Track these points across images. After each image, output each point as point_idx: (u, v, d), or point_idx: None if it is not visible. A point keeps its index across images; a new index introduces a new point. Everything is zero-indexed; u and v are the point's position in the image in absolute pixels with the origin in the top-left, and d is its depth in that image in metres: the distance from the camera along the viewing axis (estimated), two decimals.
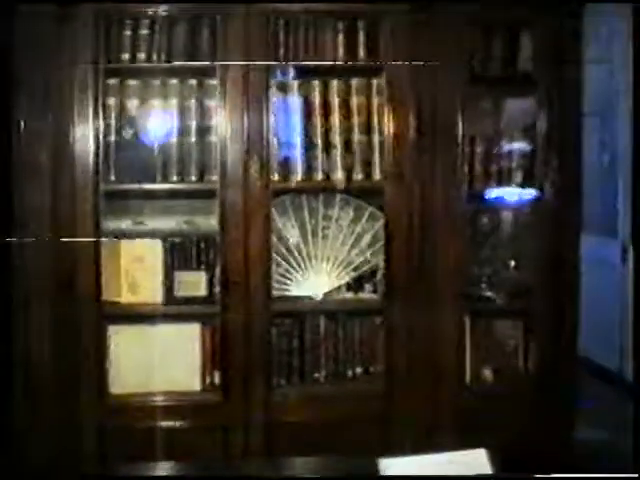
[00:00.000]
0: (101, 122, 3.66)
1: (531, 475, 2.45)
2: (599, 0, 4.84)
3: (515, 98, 4.08)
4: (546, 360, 3.95)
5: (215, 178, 3.75)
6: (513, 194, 3.97)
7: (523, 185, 3.95)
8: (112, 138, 3.72)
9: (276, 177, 3.78)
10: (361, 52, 3.85)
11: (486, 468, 2.38)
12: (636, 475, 2.35)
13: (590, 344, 4.74)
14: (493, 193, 3.96)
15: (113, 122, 3.72)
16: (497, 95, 4.08)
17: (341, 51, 3.84)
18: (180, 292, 3.83)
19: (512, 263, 4.06)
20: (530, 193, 3.93)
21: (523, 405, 3.94)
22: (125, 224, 3.86)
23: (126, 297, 3.81)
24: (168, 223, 3.91)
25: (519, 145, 3.95)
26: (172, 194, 3.88)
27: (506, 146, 3.96)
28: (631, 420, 4.77)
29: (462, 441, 3.77)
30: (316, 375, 3.91)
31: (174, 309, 3.82)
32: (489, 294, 4.03)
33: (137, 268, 3.81)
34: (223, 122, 3.69)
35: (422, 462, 2.40)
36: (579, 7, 3.84)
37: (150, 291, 3.82)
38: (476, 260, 4.02)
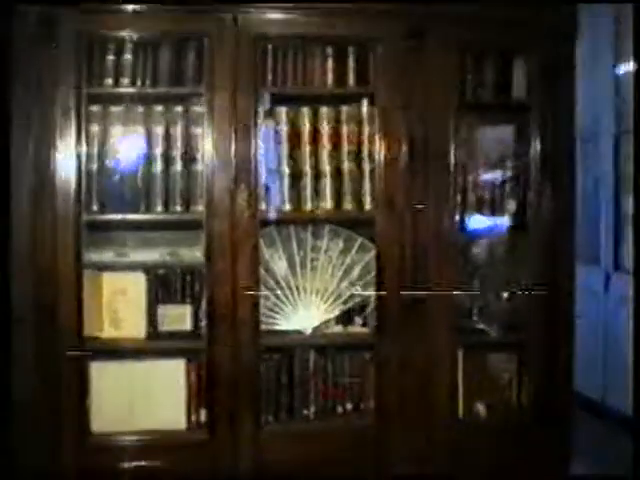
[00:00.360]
0: (84, 149, 3.53)
1: None
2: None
3: (507, 125, 3.99)
4: (541, 394, 3.86)
5: (201, 208, 3.62)
6: (505, 223, 3.90)
7: (516, 213, 3.87)
8: (95, 166, 3.59)
9: (264, 207, 3.67)
10: (351, 79, 3.77)
11: None
12: None
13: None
14: (485, 222, 3.89)
15: (96, 150, 3.59)
16: (490, 122, 4.00)
17: (330, 77, 3.75)
18: (164, 326, 3.71)
19: (505, 295, 3.98)
20: (523, 222, 3.86)
21: (517, 439, 3.84)
22: (106, 256, 3.71)
23: (108, 332, 3.67)
24: (151, 255, 3.77)
25: (512, 173, 3.88)
26: (156, 225, 3.75)
27: (499, 174, 3.88)
28: (622, 452, 4.68)
29: (456, 476, 3.74)
30: (305, 412, 3.79)
31: (158, 344, 3.70)
32: (482, 327, 3.94)
33: (119, 301, 3.68)
34: (210, 150, 3.57)
35: None
36: (572, 32, 3.78)
37: (133, 325, 3.68)
38: (468, 291, 3.94)
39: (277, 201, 3.71)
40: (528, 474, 3.78)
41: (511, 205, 3.86)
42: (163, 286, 3.75)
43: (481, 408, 3.89)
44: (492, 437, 3.84)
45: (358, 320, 3.87)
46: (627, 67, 5.94)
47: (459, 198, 3.79)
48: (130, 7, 3.51)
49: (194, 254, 3.78)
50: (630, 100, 6.02)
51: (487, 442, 3.81)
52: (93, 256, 3.64)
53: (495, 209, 3.88)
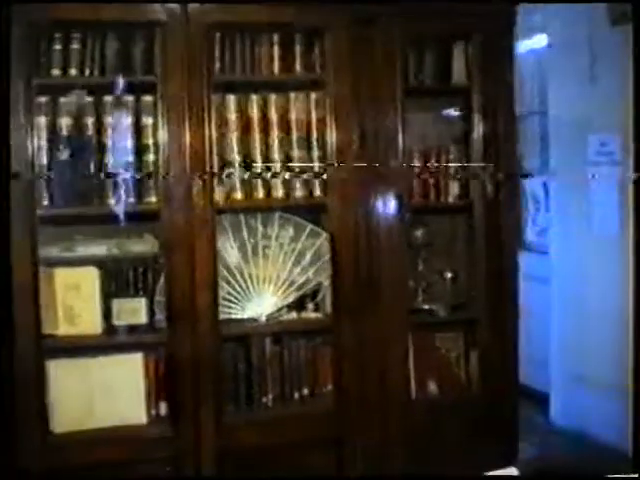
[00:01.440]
0: (35, 142, 3.43)
1: None
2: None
3: (449, 109, 4.10)
4: (488, 370, 3.98)
5: (154, 199, 3.58)
6: (450, 205, 3.99)
7: (460, 196, 3.97)
8: (44, 159, 3.50)
9: (217, 196, 3.66)
10: (298, 66, 3.79)
11: None
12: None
13: None
14: (430, 205, 3.98)
15: (45, 143, 3.50)
16: (432, 107, 4.09)
17: (277, 65, 3.75)
18: (119, 320, 3.63)
19: (449, 275, 4.07)
20: (466, 204, 3.95)
21: (467, 416, 3.96)
22: (56, 251, 3.62)
23: (64, 328, 3.57)
24: (99, 249, 3.68)
25: (455, 156, 3.96)
26: (108, 217, 3.67)
27: (442, 158, 3.96)
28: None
29: (412, 456, 3.82)
30: (264, 399, 3.79)
31: (115, 339, 3.62)
32: (427, 307, 4.03)
33: (73, 297, 3.58)
34: (163, 139, 3.53)
35: None
36: (510, 16, 3.89)
37: (89, 321, 3.59)
38: (413, 273, 4.02)
39: (228, 189, 3.72)
40: (478, 448, 3.91)
41: (455, 188, 3.96)
42: (115, 280, 3.68)
43: (432, 387, 4.00)
44: (444, 414, 3.95)
45: (310, 306, 3.90)
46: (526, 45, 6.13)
47: (407, 182, 3.87)
48: None
49: (143, 246, 3.74)
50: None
51: (440, 420, 3.93)
52: (43, 251, 3.54)
53: (439, 192, 3.97)
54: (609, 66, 5.17)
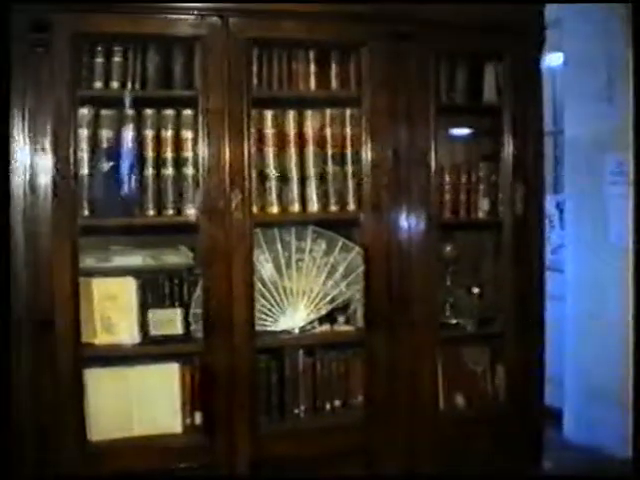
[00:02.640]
0: (77, 153, 3.47)
1: None
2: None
3: (480, 127, 4.17)
4: (513, 384, 4.04)
5: (192, 211, 3.63)
6: (479, 222, 4.06)
7: (490, 212, 4.03)
8: (86, 171, 3.54)
9: (254, 209, 3.71)
10: (334, 82, 3.85)
11: None
12: None
13: None
14: (460, 221, 4.04)
15: (86, 154, 3.54)
16: (463, 124, 4.17)
17: (314, 81, 3.82)
18: (156, 331, 3.68)
19: (476, 290, 4.13)
20: (496, 220, 4.02)
21: (493, 428, 4.01)
22: (92, 261, 3.65)
23: (101, 338, 3.62)
24: (136, 259, 3.73)
25: (485, 173, 4.03)
26: (146, 228, 3.73)
27: (473, 175, 4.03)
28: None
29: (441, 468, 3.87)
30: (296, 410, 3.84)
31: (151, 349, 3.66)
32: (455, 321, 4.08)
33: (111, 307, 3.63)
34: (202, 153, 3.58)
35: None
36: (540, 37, 3.97)
37: (126, 331, 3.64)
38: (441, 288, 4.06)
39: (264, 203, 3.77)
40: (504, 459, 3.96)
41: (484, 205, 4.02)
42: (151, 291, 3.72)
43: (460, 400, 4.05)
44: (471, 427, 4.01)
45: (342, 319, 3.95)
46: None
47: (438, 198, 3.93)
48: (122, 9, 3.50)
49: (178, 258, 3.79)
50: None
51: (466, 432, 3.98)
52: (81, 262, 3.58)
53: (470, 208, 4.03)
54: (626, 85, 5.25)
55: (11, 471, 3.29)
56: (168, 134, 3.63)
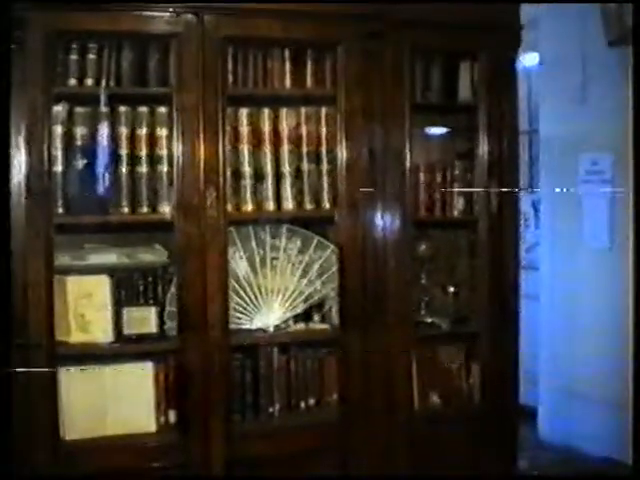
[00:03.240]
0: (51, 151, 3.45)
1: None
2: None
3: (455, 126, 4.18)
4: (488, 382, 4.06)
5: (167, 209, 3.62)
6: (454, 220, 4.07)
7: (464, 211, 4.04)
8: (60, 168, 3.52)
9: (229, 207, 3.70)
10: (309, 81, 3.85)
11: None
12: None
13: None
14: (435, 219, 4.05)
15: (60, 152, 3.53)
16: (438, 123, 4.18)
17: (289, 79, 3.82)
18: (130, 329, 3.65)
19: (451, 289, 4.14)
20: (470, 219, 4.03)
21: (468, 427, 4.03)
22: (66, 259, 3.63)
23: (76, 336, 3.60)
24: (110, 257, 3.72)
25: (460, 172, 4.04)
26: (121, 227, 3.72)
27: (448, 173, 4.04)
28: None
29: (415, 467, 3.87)
30: (270, 409, 3.83)
31: (126, 347, 3.64)
32: (430, 320, 4.09)
33: (85, 305, 3.61)
34: (177, 151, 3.56)
35: None
36: (516, 36, 3.98)
37: (100, 329, 3.62)
38: (416, 287, 4.07)
39: (239, 201, 3.77)
40: (478, 458, 3.98)
41: (460, 203, 4.03)
42: (126, 289, 3.70)
43: (435, 398, 4.06)
44: (445, 426, 4.01)
45: (317, 317, 3.96)
46: None
47: (413, 197, 3.94)
48: (98, 6, 3.47)
49: (153, 256, 3.78)
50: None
51: (441, 431, 3.98)
52: (55, 260, 3.56)
53: (445, 207, 4.04)
54: (602, 86, 5.29)
55: None
56: (143, 132, 3.61)
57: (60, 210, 3.53)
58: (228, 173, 3.67)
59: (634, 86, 3.54)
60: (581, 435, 5.41)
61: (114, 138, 3.59)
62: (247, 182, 3.75)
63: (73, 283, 3.62)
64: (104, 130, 3.57)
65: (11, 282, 3.31)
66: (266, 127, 3.78)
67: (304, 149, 3.82)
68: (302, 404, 3.89)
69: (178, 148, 3.57)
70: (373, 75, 3.79)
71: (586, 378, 5.43)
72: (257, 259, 3.87)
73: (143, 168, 3.62)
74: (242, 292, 3.83)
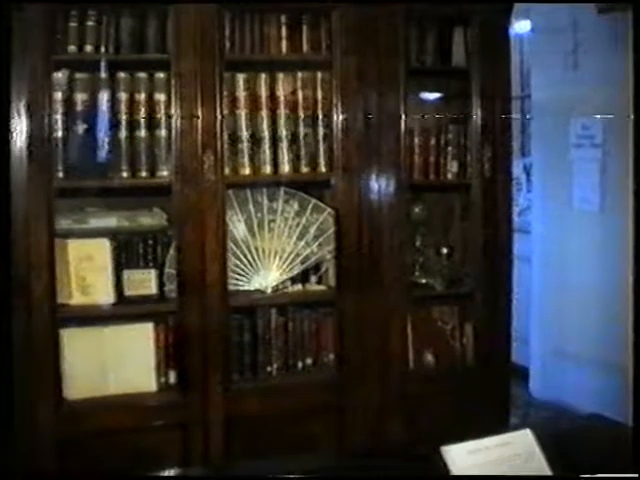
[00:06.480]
0: (52, 117, 3.51)
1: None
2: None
3: (449, 90, 4.24)
4: (482, 341, 4.14)
5: (166, 173, 3.68)
6: (448, 183, 4.13)
7: (458, 174, 4.10)
8: (60, 134, 3.57)
9: (227, 171, 3.76)
10: (305, 46, 3.90)
11: (534, 447, 2.47)
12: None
13: None
14: (429, 183, 4.11)
15: (61, 117, 3.58)
16: (432, 88, 4.24)
17: (285, 45, 3.86)
18: (130, 291, 3.74)
19: (445, 251, 4.22)
20: (464, 182, 4.10)
21: (461, 386, 4.12)
22: (67, 222, 3.70)
23: (77, 298, 3.67)
24: (110, 221, 3.78)
25: (454, 136, 4.09)
26: (121, 190, 3.78)
27: (442, 137, 4.09)
28: None
29: (410, 425, 3.96)
30: (268, 368, 3.91)
31: (126, 309, 3.72)
32: (424, 281, 4.17)
33: (86, 268, 3.68)
34: (175, 116, 3.62)
35: (472, 447, 2.47)
36: (507, 3, 4.03)
37: (101, 291, 3.69)
38: (410, 248, 4.15)
39: (236, 165, 3.83)
40: (471, 415, 4.06)
41: (453, 167, 4.10)
42: (126, 252, 3.77)
43: (429, 358, 4.15)
44: (439, 384, 4.10)
45: (314, 279, 4.03)
46: None
47: (407, 161, 4.00)
48: None
49: (152, 219, 3.84)
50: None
51: (435, 389, 4.06)
52: (56, 223, 3.62)
53: (439, 171, 4.10)
54: (592, 52, 5.34)
55: None
56: (141, 97, 3.66)
57: (61, 175, 3.59)
58: (225, 137, 3.72)
59: (634, 78, 3.61)
60: (570, 393, 5.51)
61: (113, 104, 3.64)
62: (244, 146, 3.80)
63: (74, 246, 3.68)
64: (104, 96, 3.62)
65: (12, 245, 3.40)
66: (263, 92, 3.83)
67: (301, 113, 3.87)
68: (299, 363, 3.96)
69: (176, 113, 3.62)
70: (368, 40, 3.84)
71: (575, 338, 5.54)
72: (255, 222, 3.93)
73: (142, 133, 3.67)
74: (240, 254, 3.90)
